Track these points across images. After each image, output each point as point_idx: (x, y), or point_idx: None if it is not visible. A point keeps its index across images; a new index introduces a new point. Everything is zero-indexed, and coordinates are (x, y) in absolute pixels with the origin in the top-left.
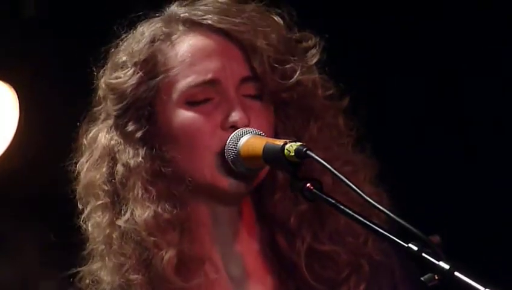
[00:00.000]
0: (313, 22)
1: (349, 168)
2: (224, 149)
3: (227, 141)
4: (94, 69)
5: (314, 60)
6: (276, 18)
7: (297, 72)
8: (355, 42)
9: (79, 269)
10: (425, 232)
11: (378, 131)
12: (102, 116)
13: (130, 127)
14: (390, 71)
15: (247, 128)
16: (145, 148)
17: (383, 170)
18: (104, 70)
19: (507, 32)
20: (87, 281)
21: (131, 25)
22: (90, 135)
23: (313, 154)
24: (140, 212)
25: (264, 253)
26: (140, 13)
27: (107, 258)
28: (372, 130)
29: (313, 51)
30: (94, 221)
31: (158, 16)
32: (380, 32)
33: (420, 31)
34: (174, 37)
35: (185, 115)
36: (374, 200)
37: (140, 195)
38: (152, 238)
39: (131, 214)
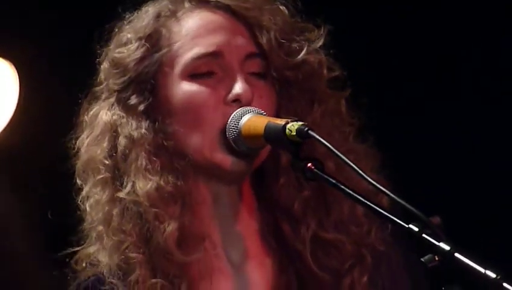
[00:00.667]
0: (311, 9)
1: (350, 156)
2: (226, 128)
3: (229, 120)
4: (97, 48)
5: (319, 43)
6: (281, 6)
7: (304, 50)
8: (353, 30)
9: (76, 248)
10: (425, 214)
11: (376, 117)
12: (104, 95)
13: (133, 100)
14: (388, 57)
15: (249, 108)
16: (148, 121)
17: (382, 155)
18: (107, 50)
19: (505, 19)
20: (84, 264)
21: (136, 7)
22: (92, 112)
23: (315, 134)
24: (143, 184)
25: (264, 237)
26: None
27: (105, 237)
28: (370, 117)
29: (318, 34)
30: (93, 199)
31: None
32: (378, 20)
33: (418, 17)
34: (179, 13)
35: (187, 88)
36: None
37: (143, 166)
38: (154, 210)
39: (133, 186)
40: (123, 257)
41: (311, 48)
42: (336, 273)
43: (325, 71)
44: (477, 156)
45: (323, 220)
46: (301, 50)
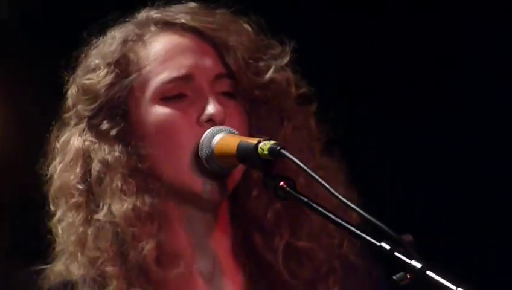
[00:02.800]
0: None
1: (320, 172)
2: (198, 147)
3: (201, 139)
4: (65, 75)
5: (285, 61)
6: (245, 25)
7: (271, 69)
8: (353, 35)
9: (44, 266)
10: (395, 231)
11: (372, 121)
12: (73, 121)
13: (105, 126)
14: (387, 60)
15: (221, 127)
16: (120, 145)
17: (373, 163)
18: (75, 76)
19: (504, 20)
20: (52, 278)
21: (101, 31)
22: (62, 139)
23: (287, 153)
24: (119, 206)
25: (236, 252)
26: (110, 18)
27: (79, 254)
28: (365, 121)
29: (284, 52)
30: (65, 222)
31: (129, 21)
32: (377, 25)
33: (416, 21)
34: (146, 37)
35: (159, 111)
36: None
37: (118, 188)
38: (131, 229)
39: (109, 209)
40: (98, 271)
41: (278, 67)
42: (308, 283)
43: (293, 89)
44: (476, 160)
45: (296, 230)
46: (268, 69)
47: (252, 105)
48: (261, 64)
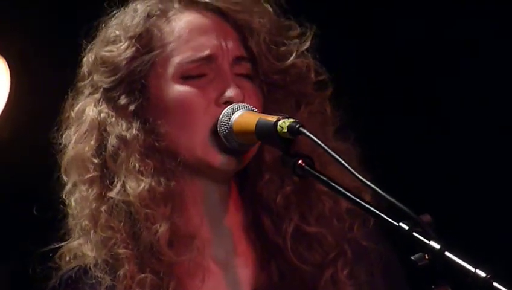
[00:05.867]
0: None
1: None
2: (217, 124)
3: (220, 116)
4: (82, 43)
5: (307, 45)
6: (266, 5)
7: (293, 55)
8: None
9: (59, 244)
10: (415, 212)
11: (374, 115)
12: (87, 91)
13: (123, 101)
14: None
15: (241, 104)
16: (138, 121)
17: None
18: (92, 45)
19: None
20: (67, 258)
21: (122, 2)
22: (77, 108)
23: (306, 131)
24: (134, 185)
25: (248, 233)
26: None
27: (92, 233)
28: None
29: (305, 36)
30: (79, 195)
31: None
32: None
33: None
34: (170, 13)
35: (179, 89)
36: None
37: (136, 168)
38: (145, 211)
39: (123, 186)
40: (111, 253)
41: (299, 52)
42: (318, 267)
43: (312, 75)
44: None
45: (306, 214)
46: (290, 54)
47: (270, 88)
48: (283, 48)
